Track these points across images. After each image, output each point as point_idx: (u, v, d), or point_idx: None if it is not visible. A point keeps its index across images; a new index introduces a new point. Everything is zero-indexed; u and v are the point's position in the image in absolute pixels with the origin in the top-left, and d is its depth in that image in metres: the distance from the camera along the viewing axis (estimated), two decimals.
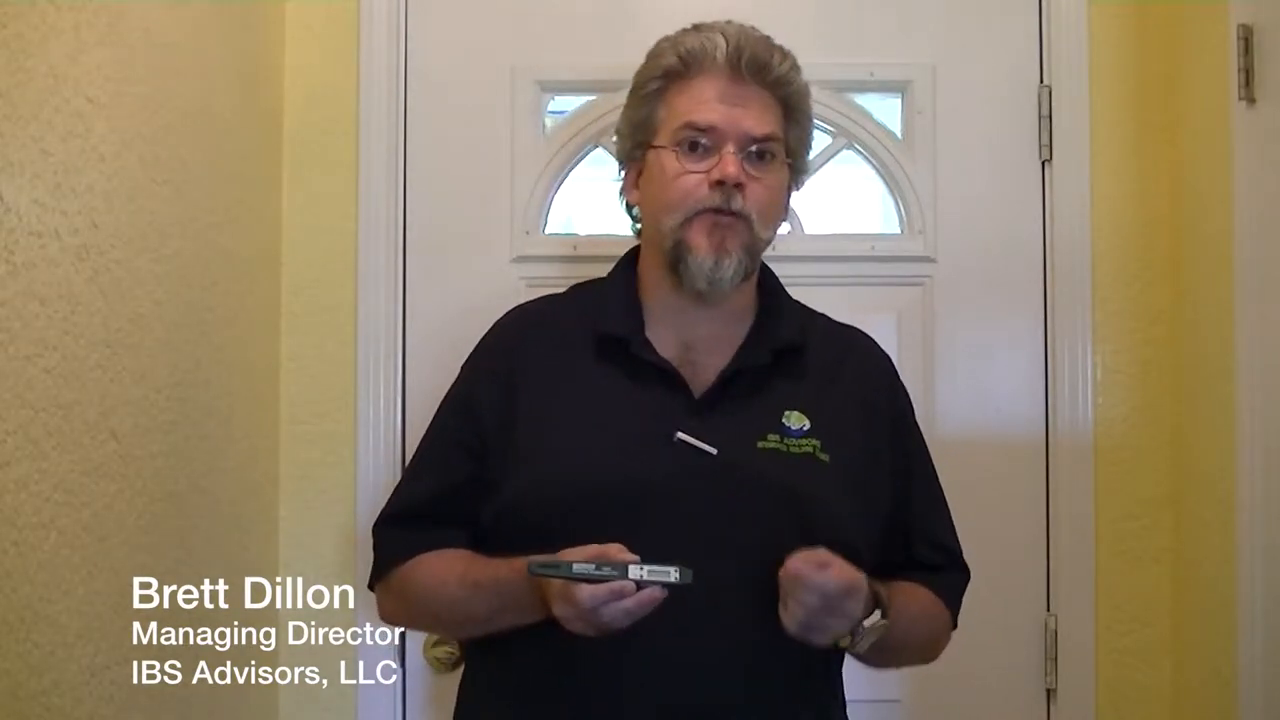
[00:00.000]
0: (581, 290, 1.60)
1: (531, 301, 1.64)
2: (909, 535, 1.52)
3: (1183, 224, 2.06)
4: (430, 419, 1.58)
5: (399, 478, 2.03)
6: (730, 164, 1.43)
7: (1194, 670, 2.00)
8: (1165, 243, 2.09)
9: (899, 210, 2.15)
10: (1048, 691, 2.09)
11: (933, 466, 1.59)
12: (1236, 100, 1.78)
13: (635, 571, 1.24)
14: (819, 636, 1.30)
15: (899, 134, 2.16)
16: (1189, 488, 2.03)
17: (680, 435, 1.40)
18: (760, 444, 1.42)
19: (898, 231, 2.16)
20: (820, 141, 2.15)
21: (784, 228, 2.11)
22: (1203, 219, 1.98)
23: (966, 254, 2.13)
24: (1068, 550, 2.08)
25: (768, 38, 1.50)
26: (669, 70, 1.48)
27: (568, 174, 2.14)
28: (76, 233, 1.34)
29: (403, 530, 1.51)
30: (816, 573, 1.27)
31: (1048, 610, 2.09)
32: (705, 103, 1.45)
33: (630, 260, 1.56)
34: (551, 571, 1.26)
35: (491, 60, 2.14)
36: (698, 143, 1.45)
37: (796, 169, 1.54)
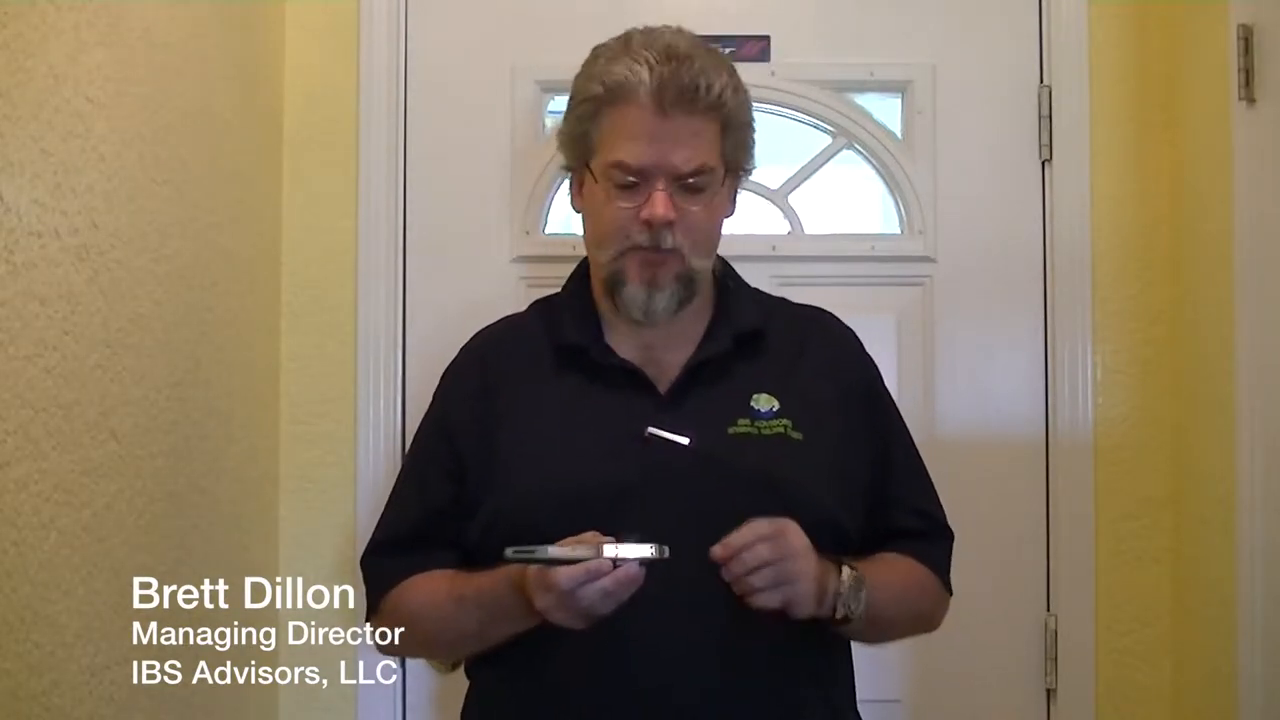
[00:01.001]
0: (541, 306, 1.61)
1: (493, 324, 1.64)
2: (888, 504, 1.52)
3: (1183, 224, 2.06)
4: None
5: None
6: (659, 205, 1.41)
7: (1194, 670, 2.00)
8: (1165, 243, 2.10)
9: (899, 210, 2.15)
10: (1048, 691, 2.09)
11: (908, 434, 1.59)
12: (1236, 100, 1.78)
13: (610, 550, 1.25)
14: (802, 597, 1.31)
15: (899, 134, 2.16)
16: (1189, 488, 2.03)
17: (651, 430, 1.41)
18: (731, 430, 1.43)
19: (898, 231, 2.16)
20: (820, 141, 2.17)
21: (784, 227, 2.14)
22: (1203, 219, 1.98)
23: (966, 254, 2.13)
24: (1068, 550, 2.08)
25: (696, 58, 1.42)
26: (597, 97, 1.45)
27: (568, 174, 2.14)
28: (76, 233, 1.34)
29: (390, 559, 1.52)
30: (742, 529, 1.29)
31: (1048, 610, 2.09)
32: (633, 139, 1.41)
33: (585, 271, 1.57)
34: (527, 556, 1.27)
35: (491, 60, 2.14)
36: (626, 181, 1.43)
37: (737, 170, 1.50)
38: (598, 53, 1.48)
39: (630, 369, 1.47)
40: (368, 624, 1.56)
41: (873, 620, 1.40)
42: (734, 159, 1.48)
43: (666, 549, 1.26)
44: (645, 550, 1.25)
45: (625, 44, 1.46)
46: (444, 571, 1.47)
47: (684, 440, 1.40)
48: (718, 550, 1.30)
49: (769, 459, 1.42)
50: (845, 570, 1.37)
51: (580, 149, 1.48)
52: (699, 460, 1.40)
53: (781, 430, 1.44)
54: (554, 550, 1.26)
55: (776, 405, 1.45)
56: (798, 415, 1.45)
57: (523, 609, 1.34)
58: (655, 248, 1.42)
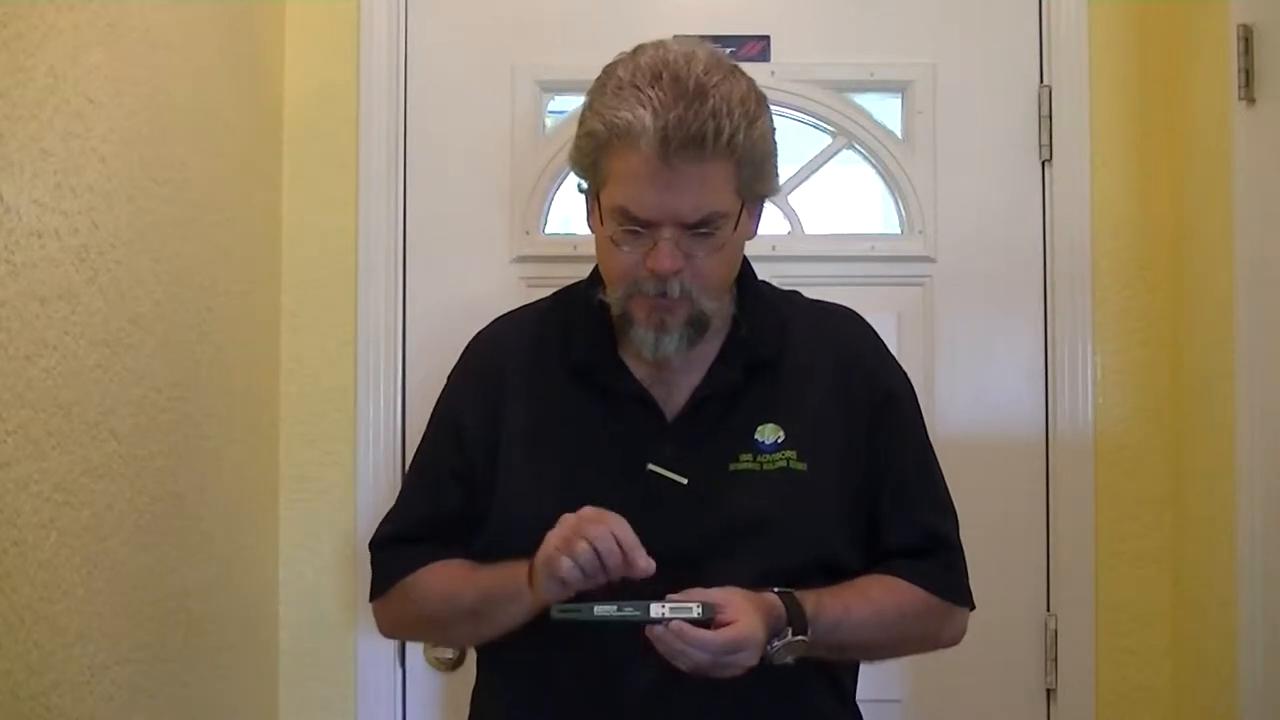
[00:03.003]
0: (564, 300, 1.57)
1: (514, 313, 1.62)
2: (888, 521, 1.48)
3: (1183, 224, 2.06)
4: (424, 427, 1.59)
5: (399, 478, 2.05)
6: (663, 258, 1.35)
7: (1194, 670, 2.00)
8: (1165, 243, 2.09)
9: (899, 210, 2.15)
10: (1048, 691, 2.09)
11: (923, 444, 1.54)
12: (1236, 100, 1.78)
13: (657, 610, 1.25)
14: (715, 675, 1.29)
15: (899, 134, 2.16)
16: (1189, 488, 2.03)
17: (651, 467, 1.40)
18: (733, 466, 1.42)
19: (898, 231, 2.16)
20: (820, 141, 2.17)
21: (784, 227, 2.14)
22: (1203, 219, 1.98)
23: (966, 254, 2.13)
24: (1068, 550, 2.08)
25: (709, 94, 1.32)
26: (599, 135, 1.37)
27: (568, 174, 2.13)
28: (76, 233, 1.34)
29: (403, 548, 1.51)
30: (702, 632, 1.25)
31: (1048, 610, 2.09)
32: (636, 187, 1.34)
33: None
34: (573, 615, 1.27)
35: (491, 60, 2.14)
36: (631, 228, 1.37)
37: (758, 198, 1.45)
38: (605, 80, 1.39)
39: (639, 395, 1.45)
40: (370, 602, 1.55)
41: (838, 649, 1.39)
42: (752, 191, 1.41)
43: (712, 608, 1.26)
44: (693, 610, 1.25)
45: (632, 72, 1.35)
46: (459, 560, 1.46)
47: (683, 480, 1.40)
48: (663, 633, 1.26)
49: (768, 500, 1.41)
50: (776, 642, 1.32)
51: (589, 176, 1.43)
52: (695, 501, 1.40)
53: (784, 464, 1.42)
54: (600, 609, 1.25)
55: (781, 436, 1.43)
56: (803, 444, 1.43)
57: (522, 586, 1.35)
58: (662, 294, 1.38)
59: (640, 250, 1.37)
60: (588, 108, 1.40)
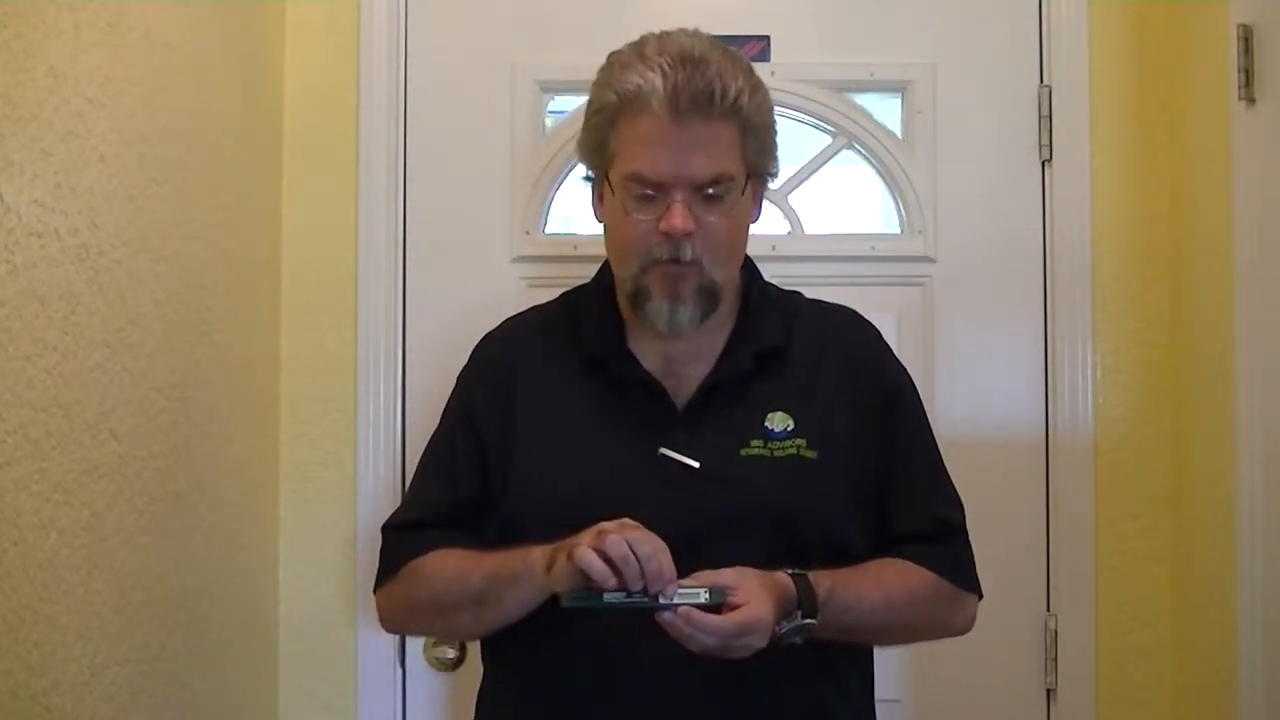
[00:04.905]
0: (570, 299, 1.60)
1: (521, 315, 1.65)
2: (897, 509, 1.50)
3: (1183, 224, 2.06)
4: (430, 422, 1.60)
5: (399, 478, 2.06)
6: (677, 216, 1.39)
7: (1194, 670, 2.00)
8: (1165, 243, 2.09)
9: (899, 210, 2.15)
10: (1048, 691, 2.09)
11: (928, 435, 1.56)
12: (1236, 100, 1.78)
13: (665, 598, 1.27)
14: (725, 657, 1.30)
15: (899, 134, 2.16)
16: (1189, 488, 2.03)
17: (663, 451, 1.42)
18: (743, 452, 1.44)
19: (898, 231, 2.16)
20: (820, 141, 2.16)
21: (784, 227, 2.14)
22: (1203, 219, 1.98)
23: (966, 254, 2.13)
24: (1068, 550, 2.08)
25: (712, 61, 1.40)
26: (611, 105, 1.43)
27: (568, 174, 2.14)
28: (76, 233, 1.34)
29: (418, 531, 1.52)
30: (710, 618, 1.27)
31: (1048, 610, 2.09)
32: (648, 150, 1.40)
33: (610, 268, 1.55)
34: (584, 603, 1.28)
35: (491, 60, 2.14)
36: (644, 193, 1.41)
37: (761, 175, 1.49)
38: (611, 60, 1.46)
39: (649, 383, 1.47)
40: (374, 593, 1.56)
41: (847, 631, 1.40)
42: (756, 163, 1.46)
43: (721, 592, 1.27)
44: (700, 595, 1.27)
45: (639, 50, 1.44)
46: (469, 550, 1.46)
47: (694, 464, 1.42)
48: (672, 618, 1.27)
49: (779, 484, 1.42)
50: (783, 624, 1.33)
51: (598, 159, 1.47)
52: (707, 484, 1.41)
53: (794, 451, 1.44)
54: (610, 597, 1.27)
55: (791, 424, 1.45)
56: (812, 432, 1.45)
57: (532, 567, 1.35)
58: (675, 260, 1.41)
59: (653, 215, 1.41)
60: (596, 86, 1.46)
